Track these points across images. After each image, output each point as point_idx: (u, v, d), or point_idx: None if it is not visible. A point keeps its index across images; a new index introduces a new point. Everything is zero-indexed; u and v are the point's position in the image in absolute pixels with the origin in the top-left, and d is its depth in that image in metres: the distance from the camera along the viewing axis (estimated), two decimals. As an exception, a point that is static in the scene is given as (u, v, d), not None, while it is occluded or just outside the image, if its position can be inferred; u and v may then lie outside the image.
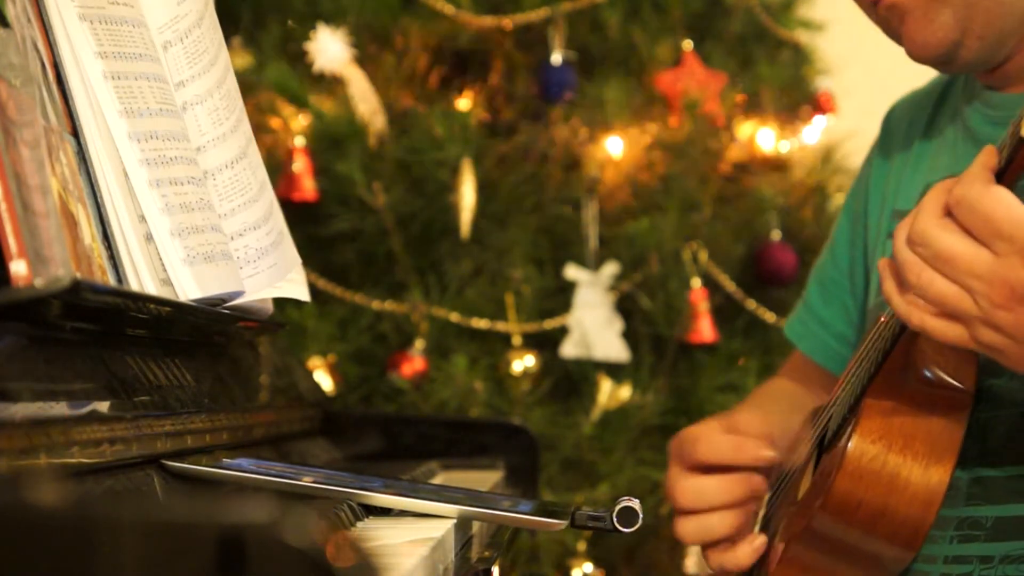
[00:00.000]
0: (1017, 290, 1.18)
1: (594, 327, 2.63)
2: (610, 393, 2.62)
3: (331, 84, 2.64)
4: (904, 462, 1.34)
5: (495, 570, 1.27)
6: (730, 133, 2.80)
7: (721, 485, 1.50)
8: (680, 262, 2.70)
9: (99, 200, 1.26)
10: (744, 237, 2.80)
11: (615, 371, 2.65)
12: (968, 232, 1.20)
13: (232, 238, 1.43)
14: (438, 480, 1.79)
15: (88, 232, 1.21)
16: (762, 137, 2.83)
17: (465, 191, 2.57)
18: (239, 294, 1.41)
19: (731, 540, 1.51)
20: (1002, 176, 1.20)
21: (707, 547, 1.53)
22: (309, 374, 2.19)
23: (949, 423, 1.35)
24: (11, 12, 1.13)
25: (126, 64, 1.32)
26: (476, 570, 1.24)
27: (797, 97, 2.92)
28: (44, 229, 1.07)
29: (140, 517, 0.68)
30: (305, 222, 2.52)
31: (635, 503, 1.29)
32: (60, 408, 1.02)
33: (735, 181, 2.82)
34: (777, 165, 2.86)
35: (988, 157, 1.21)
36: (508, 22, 2.68)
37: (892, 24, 1.44)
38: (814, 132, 2.93)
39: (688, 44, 2.77)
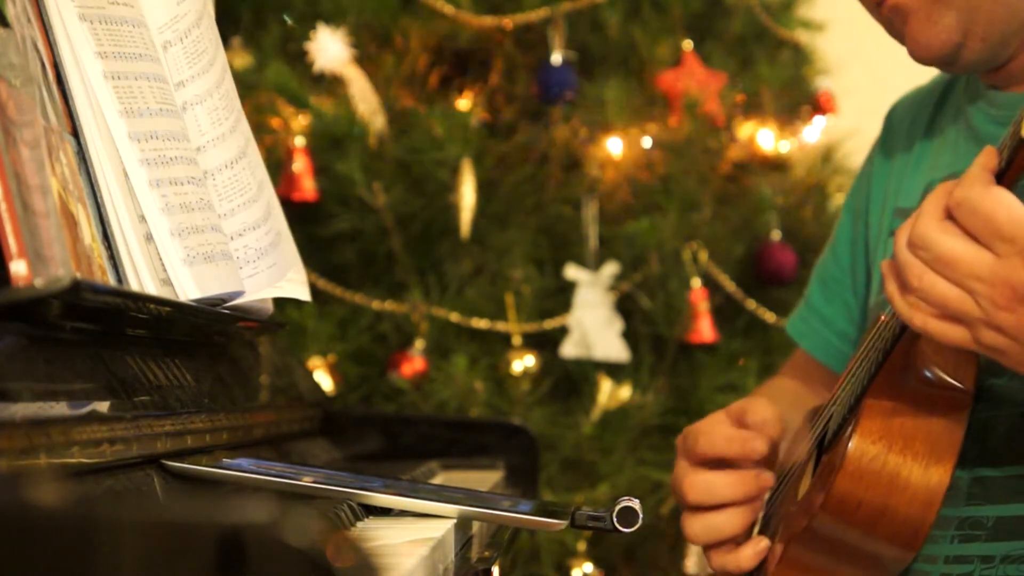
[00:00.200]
0: (1019, 291, 1.18)
1: (594, 327, 2.63)
2: (610, 393, 2.62)
3: (331, 84, 2.63)
4: (904, 462, 1.34)
5: (495, 570, 1.27)
6: (730, 133, 2.80)
7: (730, 480, 1.49)
8: (680, 262, 2.69)
9: (99, 200, 1.26)
10: (744, 237, 2.80)
11: (615, 371, 2.65)
12: (969, 234, 1.20)
13: (232, 238, 1.43)
14: (438, 480, 1.79)
15: (88, 232, 1.20)
16: (762, 137, 2.83)
17: (465, 191, 2.57)
18: (239, 294, 1.41)
19: (735, 541, 1.50)
20: (1002, 177, 1.20)
21: (710, 547, 1.52)
22: (309, 374, 2.19)
23: (949, 423, 1.35)
24: (11, 12, 1.13)
25: (126, 64, 1.32)
26: (476, 570, 1.24)
27: (797, 97, 2.92)
28: (44, 229, 1.07)
29: (140, 517, 0.68)
30: (305, 222, 2.52)
31: (635, 503, 1.29)
32: (60, 408, 1.02)
33: (735, 181, 2.81)
34: (777, 165, 2.86)
35: (988, 158, 1.21)
36: (508, 22, 2.68)
37: (895, 25, 1.44)
38: (814, 132, 2.93)
39: (688, 44, 2.77)
